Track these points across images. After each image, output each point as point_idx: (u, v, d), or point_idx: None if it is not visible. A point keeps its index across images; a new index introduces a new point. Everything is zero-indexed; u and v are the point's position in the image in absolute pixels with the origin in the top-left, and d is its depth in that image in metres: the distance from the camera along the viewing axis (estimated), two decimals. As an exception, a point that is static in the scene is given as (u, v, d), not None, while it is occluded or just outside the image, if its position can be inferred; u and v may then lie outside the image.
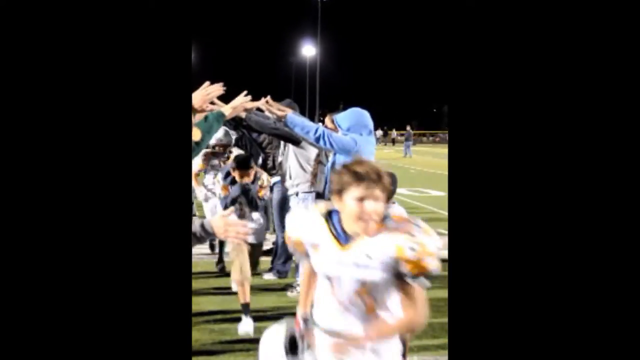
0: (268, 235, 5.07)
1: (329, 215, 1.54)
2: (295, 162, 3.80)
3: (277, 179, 4.07)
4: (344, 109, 3.23)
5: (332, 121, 3.33)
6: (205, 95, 1.93)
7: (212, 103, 2.06)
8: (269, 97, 2.93)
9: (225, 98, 2.13)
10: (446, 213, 7.16)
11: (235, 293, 3.89)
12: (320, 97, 28.37)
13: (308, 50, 32.84)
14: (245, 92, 2.13)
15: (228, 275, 4.10)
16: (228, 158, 4.21)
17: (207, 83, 2.01)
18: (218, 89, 1.99)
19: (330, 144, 2.86)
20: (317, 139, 2.84)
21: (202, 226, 1.49)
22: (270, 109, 2.89)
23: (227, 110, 2.02)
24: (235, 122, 3.88)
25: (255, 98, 2.88)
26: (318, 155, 3.79)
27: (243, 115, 3.11)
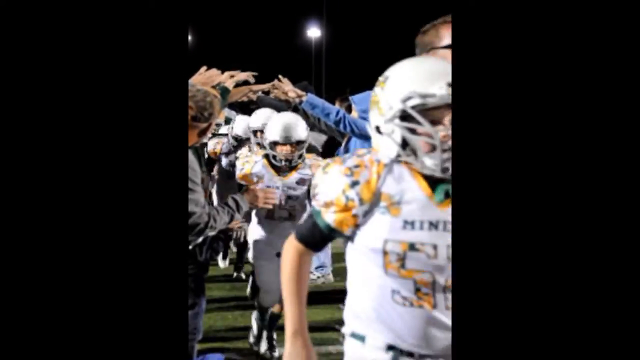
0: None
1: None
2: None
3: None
4: (351, 94, 3.15)
5: (345, 106, 3.24)
6: (206, 79, 1.90)
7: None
8: (281, 77, 2.83)
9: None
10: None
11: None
12: (326, 81, 28.16)
13: (313, 32, 32.54)
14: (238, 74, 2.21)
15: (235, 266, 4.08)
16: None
17: (203, 68, 2.00)
18: (217, 75, 1.98)
19: (351, 128, 2.76)
20: (337, 122, 2.75)
21: (237, 201, 1.83)
22: (282, 88, 2.79)
23: (231, 85, 2.06)
24: (242, 105, 3.81)
25: (258, 81, 2.79)
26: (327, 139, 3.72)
27: (253, 97, 3.03)
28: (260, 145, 3.08)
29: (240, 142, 3.76)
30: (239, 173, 2.66)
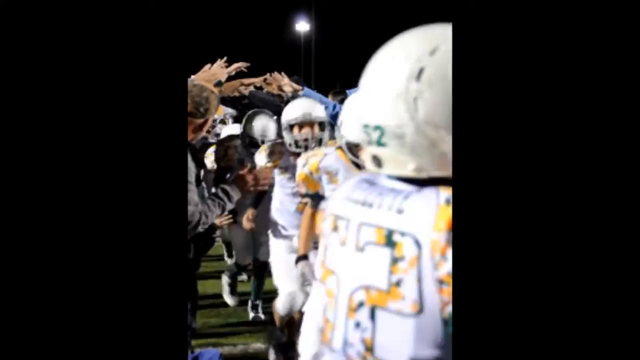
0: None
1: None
2: None
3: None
4: (341, 88, 3.16)
5: (339, 100, 3.23)
6: (211, 75, 1.89)
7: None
8: (275, 73, 2.82)
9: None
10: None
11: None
12: (315, 76, 28.09)
13: (302, 26, 32.40)
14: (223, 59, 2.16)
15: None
16: None
17: (207, 66, 2.00)
18: (221, 71, 1.98)
19: None
20: (334, 116, 2.75)
21: (227, 191, 1.74)
22: (278, 82, 2.79)
23: (223, 76, 2.06)
24: (233, 100, 3.77)
25: (247, 76, 2.78)
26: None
27: (245, 92, 3.02)
28: (297, 144, 2.57)
29: (254, 145, 3.16)
30: (301, 170, 2.12)
